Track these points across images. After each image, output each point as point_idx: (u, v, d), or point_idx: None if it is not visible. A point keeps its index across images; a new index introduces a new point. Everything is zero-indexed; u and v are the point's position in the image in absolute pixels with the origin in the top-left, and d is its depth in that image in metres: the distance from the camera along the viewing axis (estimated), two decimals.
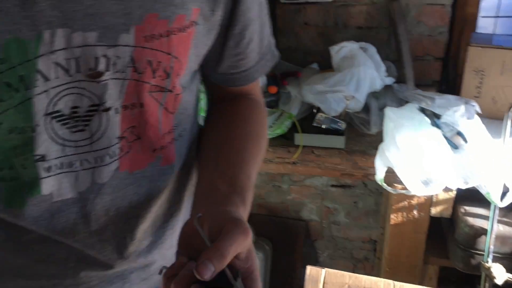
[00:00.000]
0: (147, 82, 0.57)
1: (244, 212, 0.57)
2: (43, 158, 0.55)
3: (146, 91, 0.58)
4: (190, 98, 0.69)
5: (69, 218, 0.60)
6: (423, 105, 1.62)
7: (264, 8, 0.70)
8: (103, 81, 0.54)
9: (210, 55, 0.68)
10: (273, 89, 1.72)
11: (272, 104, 1.75)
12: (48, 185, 0.57)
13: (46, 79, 0.51)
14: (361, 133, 1.68)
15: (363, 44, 1.72)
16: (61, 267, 0.64)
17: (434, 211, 1.62)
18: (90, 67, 0.53)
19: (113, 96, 0.56)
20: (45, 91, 0.52)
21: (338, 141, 1.60)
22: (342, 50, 1.68)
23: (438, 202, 1.60)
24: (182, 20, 0.56)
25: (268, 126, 1.65)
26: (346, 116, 1.68)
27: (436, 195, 1.58)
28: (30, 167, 0.56)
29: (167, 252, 0.72)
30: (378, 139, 1.58)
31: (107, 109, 0.56)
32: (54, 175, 0.57)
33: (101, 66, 0.53)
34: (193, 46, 0.61)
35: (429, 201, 1.60)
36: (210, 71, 0.72)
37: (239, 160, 0.65)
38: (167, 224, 0.71)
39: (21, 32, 0.48)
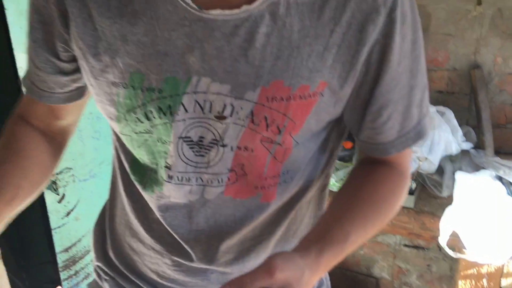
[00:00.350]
0: (260, 133, 0.67)
1: (312, 261, 0.60)
2: (169, 167, 0.71)
3: (258, 140, 0.68)
4: (304, 154, 0.73)
5: (178, 216, 0.76)
6: (501, 173, 1.62)
7: (415, 89, 0.69)
8: (225, 123, 0.66)
9: (350, 123, 0.72)
10: (348, 144, 1.81)
11: (346, 159, 1.83)
12: (169, 188, 0.74)
13: (186, 111, 0.66)
14: (432, 195, 1.70)
15: (440, 108, 1.76)
16: (164, 247, 0.80)
17: (505, 282, 1.57)
18: (218, 110, 0.65)
19: (231, 137, 0.67)
20: (183, 119, 0.67)
21: (408, 200, 1.63)
22: None
23: (510, 274, 1.55)
24: (305, 90, 0.64)
25: (339, 179, 1.73)
26: (418, 176, 1.71)
27: (508, 266, 1.54)
28: (161, 170, 0.73)
29: (245, 270, 0.81)
30: (449, 202, 1.59)
31: (224, 145, 0.68)
32: (174, 183, 0.73)
33: (227, 112, 0.65)
34: (314, 113, 0.66)
35: (500, 272, 1.56)
36: (353, 134, 0.75)
37: (345, 216, 0.68)
38: (253, 248, 0.81)
39: (177, 73, 0.63)
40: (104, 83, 0.67)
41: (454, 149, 1.71)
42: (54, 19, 0.67)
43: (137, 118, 0.68)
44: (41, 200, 1.67)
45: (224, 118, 0.65)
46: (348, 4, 0.61)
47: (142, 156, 0.74)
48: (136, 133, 0.70)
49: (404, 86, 0.67)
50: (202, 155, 0.69)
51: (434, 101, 1.83)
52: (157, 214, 0.77)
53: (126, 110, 0.67)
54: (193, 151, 0.69)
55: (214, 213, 0.75)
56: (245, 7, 0.60)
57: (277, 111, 0.64)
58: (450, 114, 1.76)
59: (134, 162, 0.76)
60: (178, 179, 0.72)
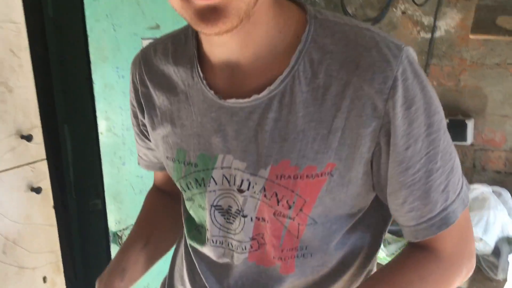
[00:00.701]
0: (272, 207, 0.73)
1: None
2: (208, 230, 0.80)
3: (272, 213, 0.73)
4: (324, 233, 0.75)
5: (213, 274, 0.85)
6: None
7: (434, 174, 0.67)
8: (244, 196, 0.74)
9: (386, 202, 0.74)
10: None
11: (400, 233, 1.84)
12: (208, 248, 0.82)
13: (216, 183, 0.75)
14: (487, 277, 1.66)
15: (497, 188, 1.76)
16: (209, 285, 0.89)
17: None
18: (238, 184, 0.74)
19: (249, 208, 0.74)
20: (214, 190, 0.76)
21: None
22: (474, 192, 1.74)
23: None
24: (312, 170, 0.68)
25: (391, 253, 1.74)
26: None
27: None
28: (204, 231, 0.83)
29: None
30: (504, 285, 1.55)
31: (245, 216, 0.75)
32: (211, 245, 0.83)
33: (244, 186, 0.73)
34: (326, 191, 0.70)
35: None
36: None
37: None
38: None
39: (207, 151, 0.74)
40: (164, 157, 0.81)
41: (511, 231, 1.68)
42: (136, 107, 0.85)
43: (182, 187, 0.80)
44: (107, 253, 1.80)
45: (243, 191, 0.73)
46: (347, 91, 0.65)
47: (193, 216, 0.86)
48: (186, 199, 0.83)
49: (418, 170, 0.67)
50: (231, 222, 0.78)
51: (491, 181, 1.83)
52: (198, 269, 0.86)
53: (176, 179, 0.80)
54: (224, 218, 0.78)
55: (241, 277, 0.82)
56: (254, 96, 0.68)
57: (286, 187, 0.70)
58: (507, 195, 1.75)
59: (188, 219, 0.88)
60: (213, 242, 0.82)
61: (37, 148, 1.42)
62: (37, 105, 1.43)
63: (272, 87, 0.68)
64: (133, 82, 0.83)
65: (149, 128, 0.83)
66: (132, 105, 0.86)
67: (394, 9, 2.20)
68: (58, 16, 2.20)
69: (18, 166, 1.38)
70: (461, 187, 0.71)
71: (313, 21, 0.68)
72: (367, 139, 0.66)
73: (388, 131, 0.65)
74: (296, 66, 0.67)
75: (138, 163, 0.97)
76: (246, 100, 0.69)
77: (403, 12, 2.18)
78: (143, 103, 0.81)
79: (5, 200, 1.35)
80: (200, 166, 0.75)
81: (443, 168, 0.68)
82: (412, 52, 0.67)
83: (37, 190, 1.39)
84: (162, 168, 0.92)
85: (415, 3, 2.13)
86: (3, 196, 1.35)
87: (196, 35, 0.75)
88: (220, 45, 0.68)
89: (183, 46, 0.77)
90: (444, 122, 0.69)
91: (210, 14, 0.59)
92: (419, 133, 0.66)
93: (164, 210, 0.97)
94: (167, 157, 0.80)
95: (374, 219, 0.79)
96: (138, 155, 0.95)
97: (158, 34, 1.82)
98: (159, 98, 0.79)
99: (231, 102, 0.70)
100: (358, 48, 0.66)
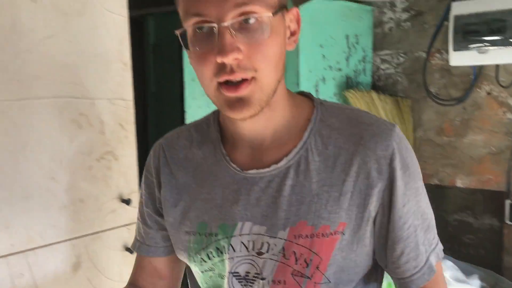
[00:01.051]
0: (291, 266, 0.79)
1: None
2: None
3: (289, 273, 0.79)
4: None
5: None
6: None
7: (418, 229, 0.81)
8: (263, 258, 0.80)
9: (379, 259, 0.84)
10: None
11: None
12: None
13: (234, 250, 0.81)
14: None
15: None
16: None
17: None
18: (258, 247, 0.80)
19: (267, 270, 0.80)
20: (232, 258, 0.81)
21: None
22: None
23: None
24: (326, 229, 0.78)
25: None
26: None
27: None
28: None
29: None
30: None
31: (263, 278, 0.81)
32: None
33: (264, 249, 0.80)
34: (338, 249, 0.78)
35: None
36: (384, 269, 0.87)
37: None
38: None
39: (227, 220, 0.82)
40: (182, 233, 0.87)
41: None
42: (154, 186, 0.92)
43: (202, 258, 0.85)
44: None
45: (262, 254, 0.80)
46: (355, 158, 0.79)
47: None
48: (202, 272, 0.86)
49: (411, 225, 0.80)
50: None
51: None
52: None
53: (194, 253, 0.85)
54: (241, 285, 0.82)
55: None
56: (273, 166, 0.81)
57: (304, 246, 0.78)
58: None
59: None
60: None
61: (134, 211, 1.56)
62: (137, 171, 1.59)
63: (289, 157, 0.81)
64: (154, 164, 0.92)
65: (167, 206, 0.89)
66: (148, 186, 0.93)
67: (478, 90, 2.21)
68: (159, 92, 2.45)
69: (116, 227, 1.52)
70: (436, 244, 0.85)
71: (319, 107, 0.85)
72: (374, 198, 0.79)
73: (390, 191, 0.79)
74: (308, 140, 0.81)
75: (136, 249, 0.98)
76: (266, 170, 0.81)
77: (488, 93, 2.18)
78: (164, 183, 0.90)
79: (103, 258, 1.48)
80: (220, 235, 0.82)
81: (423, 224, 0.82)
82: (399, 129, 0.82)
83: (131, 250, 1.52)
84: (164, 252, 0.96)
85: (500, 85, 2.13)
86: (102, 255, 1.48)
87: (218, 121, 0.89)
88: (246, 127, 0.82)
89: (206, 131, 0.90)
90: (423, 187, 0.83)
91: (237, 103, 0.74)
92: (411, 193, 0.80)
93: None
94: (186, 232, 0.86)
95: (375, 275, 0.88)
96: (140, 241, 0.97)
97: None
98: (181, 178, 0.88)
99: (252, 172, 0.82)
100: (360, 125, 0.81)
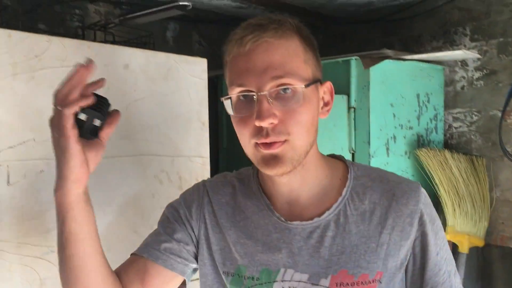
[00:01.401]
0: None
1: None
2: None
3: None
4: None
5: None
6: None
7: (451, 274, 0.90)
8: None
9: None
10: None
11: None
12: None
13: None
14: None
15: None
16: None
17: None
18: None
19: None
20: None
21: None
22: None
23: None
24: (365, 277, 0.85)
25: None
26: None
27: None
28: None
29: None
30: None
31: None
32: None
33: None
34: None
35: None
36: None
37: None
38: None
39: (270, 266, 0.88)
40: (221, 273, 0.92)
41: None
42: (188, 218, 0.96)
43: None
44: None
45: None
46: (390, 213, 0.88)
47: None
48: None
49: (445, 271, 0.89)
50: None
51: None
52: None
53: None
54: None
55: None
56: (316, 219, 0.88)
57: None
58: None
59: None
60: None
61: None
62: None
63: (330, 211, 0.89)
64: (196, 199, 0.98)
65: (204, 242, 0.94)
66: (178, 214, 0.97)
67: None
68: (230, 147, 2.54)
69: (193, 280, 1.56)
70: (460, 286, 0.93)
71: (352, 167, 0.94)
72: (406, 248, 0.87)
73: (422, 242, 0.88)
74: (346, 196, 0.90)
75: (141, 250, 0.98)
76: (309, 222, 0.89)
77: None
78: (207, 220, 0.95)
79: None
80: (262, 280, 0.89)
81: (453, 271, 0.91)
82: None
83: None
84: (167, 264, 0.94)
85: None
86: None
87: (257, 176, 0.97)
88: (283, 184, 0.90)
89: (248, 183, 0.98)
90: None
91: (272, 160, 0.83)
92: (441, 242, 0.90)
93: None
94: (224, 272, 0.92)
95: None
96: (150, 246, 0.97)
97: None
98: (223, 220, 0.95)
99: (296, 223, 0.89)
100: (390, 183, 0.91)
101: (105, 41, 1.74)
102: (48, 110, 1.23)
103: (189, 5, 1.50)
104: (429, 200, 0.92)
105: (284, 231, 0.90)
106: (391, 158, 2.12)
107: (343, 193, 0.91)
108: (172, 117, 1.52)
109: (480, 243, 2.20)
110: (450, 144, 2.41)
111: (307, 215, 0.90)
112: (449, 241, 2.23)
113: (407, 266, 0.89)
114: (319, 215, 0.89)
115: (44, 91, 1.23)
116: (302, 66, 0.84)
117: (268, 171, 0.85)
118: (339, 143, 2.04)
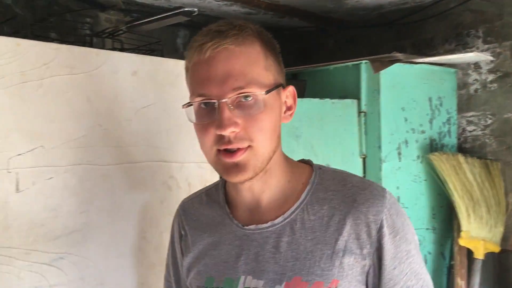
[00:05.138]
0: None
1: None
2: None
3: None
4: None
5: None
6: None
7: None
8: None
9: None
10: None
11: None
12: None
13: None
14: None
15: None
16: None
17: None
18: None
19: None
20: None
21: None
22: None
23: None
24: (319, 285, 0.83)
25: None
26: None
27: None
28: None
29: None
30: None
31: None
32: None
33: None
34: None
35: None
36: None
37: None
38: None
39: (232, 274, 0.88)
40: (195, 286, 0.94)
41: None
42: (178, 247, 1.02)
43: None
44: None
45: None
46: (347, 220, 0.85)
47: None
48: None
49: (402, 286, 0.85)
50: None
51: None
52: None
53: None
54: None
55: None
56: (270, 223, 0.88)
57: None
58: None
59: None
60: None
61: None
62: None
63: (285, 215, 0.88)
64: (174, 227, 1.05)
65: (184, 263, 0.99)
66: (173, 244, 1.05)
67: None
68: None
69: None
70: None
71: (318, 171, 0.92)
72: (364, 258, 0.84)
73: (379, 255, 0.84)
74: (305, 200, 0.88)
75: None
76: (263, 225, 0.88)
77: None
78: (182, 244, 1.01)
79: None
80: None
81: (417, 284, 0.86)
82: (391, 194, 0.88)
83: None
84: None
85: None
86: None
87: (224, 186, 0.98)
88: (245, 190, 0.90)
89: (215, 194, 1.00)
90: (417, 249, 0.88)
91: (234, 168, 0.83)
92: (402, 256, 0.85)
93: None
94: (198, 286, 0.94)
95: None
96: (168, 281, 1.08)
97: None
98: (193, 237, 0.98)
99: (251, 228, 0.89)
100: (353, 188, 0.88)
101: (113, 49, 1.76)
102: (56, 118, 1.25)
103: (195, 11, 1.50)
104: (395, 210, 0.87)
105: (243, 238, 0.90)
106: (403, 163, 2.09)
107: (301, 197, 0.89)
108: (180, 123, 1.52)
109: (495, 248, 2.16)
110: (464, 148, 2.38)
111: (264, 220, 0.89)
112: (463, 247, 2.19)
113: (367, 278, 0.86)
114: (274, 218, 0.89)
115: (53, 98, 1.24)
116: (263, 73, 0.84)
117: (230, 179, 0.85)
118: (350, 148, 2.02)
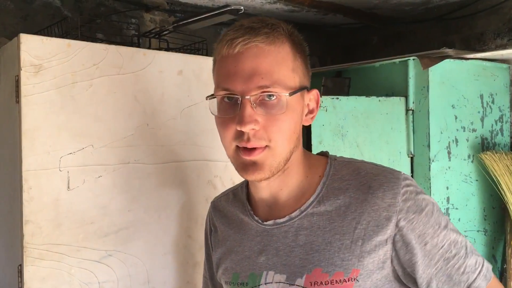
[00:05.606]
0: None
1: None
2: None
3: None
4: None
5: None
6: None
7: (451, 261, 0.84)
8: None
9: None
10: None
11: None
12: None
13: None
14: None
15: None
16: None
17: None
18: None
19: None
20: None
21: None
22: None
23: None
24: (340, 276, 0.83)
25: None
26: None
27: None
28: None
29: None
30: None
31: None
32: None
33: None
34: None
35: None
36: None
37: None
38: None
39: (255, 270, 0.90)
40: (222, 282, 0.97)
41: None
42: (211, 244, 1.04)
43: None
44: None
45: None
46: (365, 207, 0.84)
47: None
48: None
49: (438, 260, 0.84)
50: None
51: None
52: None
53: None
54: None
55: None
56: (288, 217, 0.89)
57: None
58: None
59: None
60: None
61: None
62: None
63: (302, 209, 0.88)
64: (207, 224, 1.07)
65: (214, 258, 1.01)
66: (206, 241, 1.08)
67: None
68: None
69: None
70: (481, 266, 0.86)
71: (332, 163, 0.92)
72: (384, 244, 0.83)
73: (404, 235, 0.83)
74: (321, 193, 0.88)
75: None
76: (281, 220, 0.89)
77: None
78: (212, 239, 1.03)
79: None
80: (250, 284, 0.90)
81: (458, 255, 0.85)
82: (407, 175, 0.88)
83: None
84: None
85: None
86: None
87: (247, 185, 0.99)
88: (262, 188, 0.91)
89: (239, 193, 1.01)
90: (447, 220, 0.87)
91: (251, 167, 0.83)
92: (432, 231, 0.84)
93: None
94: (225, 282, 0.96)
95: None
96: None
97: None
98: (223, 233, 1.00)
99: (270, 223, 0.90)
100: (367, 176, 0.87)
101: (159, 48, 1.77)
102: (104, 117, 1.27)
103: (242, 9, 1.49)
104: (413, 189, 0.86)
105: (263, 234, 0.91)
106: (453, 162, 2.02)
107: (317, 190, 0.89)
108: None
109: None
110: None
111: (283, 215, 0.90)
112: None
113: (394, 262, 0.84)
114: (291, 212, 0.89)
115: (102, 98, 1.26)
116: (289, 75, 0.83)
117: (246, 177, 0.86)
118: (397, 147, 1.97)
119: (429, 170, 1.94)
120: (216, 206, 1.06)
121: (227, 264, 0.96)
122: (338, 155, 0.96)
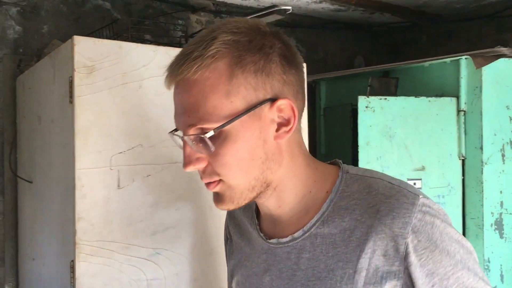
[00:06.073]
0: None
1: None
2: None
3: None
4: None
5: None
6: None
7: None
8: None
9: None
10: None
11: None
12: None
13: None
14: None
15: None
16: None
17: None
18: None
19: None
20: None
21: None
22: None
23: None
24: None
25: None
26: None
27: None
28: None
29: None
30: None
31: None
32: None
33: None
34: None
35: None
36: None
37: None
38: None
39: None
40: None
41: None
42: (225, 241, 1.03)
43: None
44: None
45: None
46: (370, 234, 0.74)
47: None
48: None
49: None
50: None
51: None
52: None
53: None
54: None
55: None
56: (290, 237, 0.82)
57: None
58: None
59: None
60: None
61: None
62: None
63: (305, 229, 0.80)
64: (225, 232, 1.04)
65: (228, 268, 0.99)
66: (225, 248, 1.04)
67: None
68: (329, 154, 2.48)
69: None
70: None
71: (344, 176, 0.81)
72: (391, 277, 0.73)
73: (411, 272, 0.72)
74: (326, 212, 0.79)
75: None
76: (284, 240, 0.83)
77: None
78: (228, 248, 1.00)
79: None
80: None
81: None
82: (428, 200, 0.75)
83: None
84: None
85: None
86: None
87: None
88: (261, 205, 0.85)
89: (252, 203, 0.91)
90: (467, 258, 0.74)
91: (216, 197, 0.80)
92: (444, 272, 0.72)
93: None
94: None
95: None
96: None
97: (423, 175, 1.88)
98: (236, 244, 0.96)
99: (273, 242, 0.84)
100: (378, 196, 0.76)
101: None
102: (153, 117, 1.29)
103: (290, 9, 1.48)
104: (429, 220, 0.73)
105: (268, 252, 0.86)
106: (507, 166, 1.94)
107: (322, 209, 0.80)
108: None
109: None
110: None
111: (286, 234, 0.83)
112: None
113: None
114: (294, 233, 0.81)
115: (151, 98, 1.28)
116: (221, 103, 0.73)
117: (216, 206, 0.82)
118: (447, 149, 1.91)
119: (482, 173, 1.87)
120: (231, 213, 1.01)
121: (238, 278, 0.93)
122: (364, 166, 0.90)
